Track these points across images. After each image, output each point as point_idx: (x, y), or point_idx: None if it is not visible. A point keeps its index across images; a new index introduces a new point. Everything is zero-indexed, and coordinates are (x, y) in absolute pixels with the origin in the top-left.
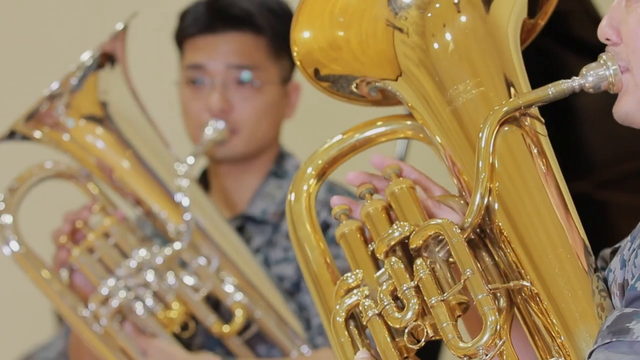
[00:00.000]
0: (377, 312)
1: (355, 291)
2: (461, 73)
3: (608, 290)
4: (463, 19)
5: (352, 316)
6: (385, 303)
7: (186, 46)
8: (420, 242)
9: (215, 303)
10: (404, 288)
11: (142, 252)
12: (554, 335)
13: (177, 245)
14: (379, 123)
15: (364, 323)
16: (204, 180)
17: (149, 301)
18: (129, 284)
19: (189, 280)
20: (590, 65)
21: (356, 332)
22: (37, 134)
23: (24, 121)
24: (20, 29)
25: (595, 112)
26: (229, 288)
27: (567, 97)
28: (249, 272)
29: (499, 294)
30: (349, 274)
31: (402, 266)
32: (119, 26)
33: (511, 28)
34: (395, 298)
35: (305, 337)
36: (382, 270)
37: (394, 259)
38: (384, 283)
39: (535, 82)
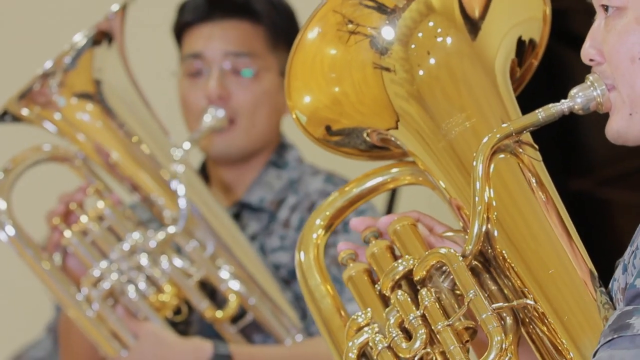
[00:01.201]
0: (386, 344)
1: (365, 329)
2: (451, 103)
3: (612, 303)
4: (448, 44)
5: (364, 355)
6: (394, 335)
7: (185, 36)
8: (424, 272)
9: (211, 291)
10: (411, 318)
11: (136, 236)
12: (562, 352)
13: (171, 230)
14: (374, 175)
15: (375, 358)
16: (203, 174)
17: (142, 284)
18: (121, 267)
19: (182, 264)
20: (579, 87)
21: None
22: (29, 113)
23: (17, 101)
24: (17, 12)
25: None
26: (224, 274)
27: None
28: (245, 259)
29: (504, 314)
30: (358, 314)
31: (408, 298)
32: (115, 7)
33: (500, 59)
34: (404, 330)
35: (301, 326)
36: (390, 306)
37: (399, 292)
38: (392, 317)
39: (536, 81)
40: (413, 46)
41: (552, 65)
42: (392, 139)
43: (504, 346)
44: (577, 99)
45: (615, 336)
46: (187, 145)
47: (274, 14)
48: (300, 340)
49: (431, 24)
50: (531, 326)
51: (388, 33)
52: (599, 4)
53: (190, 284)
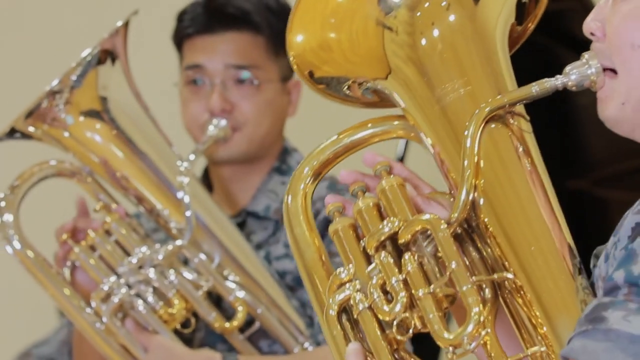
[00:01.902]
0: (367, 305)
1: (347, 285)
2: (449, 72)
3: (592, 288)
4: (451, 18)
5: (345, 310)
6: (375, 296)
7: (185, 47)
8: (409, 237)
9: (217, 300)
10: (393, 281)
11: (143, 249)
12: (536, 325)
13: (178, 242)
14: (370, 125)
15: (355, 316)
16: (206, 182)
17: (150, 298)
18: (130, 281)
19: (190, 276)
20: (574, 64)
21: (348, 325)
22: (37, 131)
23: (24, 119)
24: (21, 28)
25: (595, 111)
26: (230, 284)
27: (567, 96)
28: (251, 268)
29: (484, 286)
30: (341, 269)
31: (391, 260)
32: (119, 23)
33: (499, 28)
34: (385, 292)
35: (308, 333)
36: (373, 264)
37: (383, 253)
38: (375, 277)
39: (535, 80)
40: (419, 14)
41: (551, 66)
42: (382, 90)
43: (481, 318)
44: (571, 75)
45: (589, 327)
46: (191, 156)
47: (274, 23)
48: (307, 348)
49: None
50: (509, 299)
51: None
52: None
53: (198, 296)
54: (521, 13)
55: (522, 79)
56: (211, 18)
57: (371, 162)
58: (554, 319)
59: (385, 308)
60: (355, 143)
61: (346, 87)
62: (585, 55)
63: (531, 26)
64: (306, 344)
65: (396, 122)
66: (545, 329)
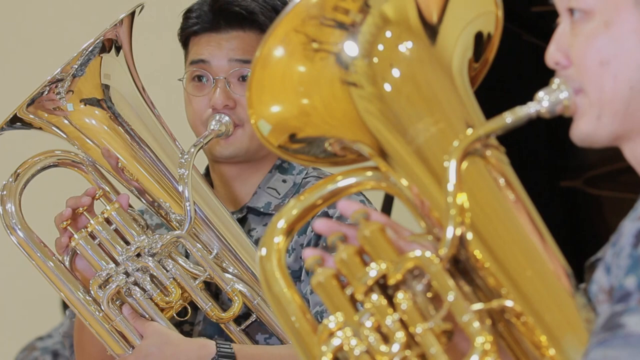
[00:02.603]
0: (364, 349)
1: (338, 333)
2: (417, 110)
3: (592, 305)
4: (408, 55)
5: (338, 358)
6: (371, 339)
7: (190, 43)
8: (400, 276)
9: (217, 292)
10: (388, 322)
11: (142, 238)
12: (542, 349)
13: (177, 232)
14: (339, 178)
15: None
16: (207, 181)
17: (148, 286)
18: (128, 269)
19: (188, 266)
20: (545, 90)
21: None
22: (39, 119)
23: (26, 107)
24: (26, 23)
25: None
26: (228, 276)
27: None
28: (249, 261)
29: (482, 316)
30: (329, 319)
31: (384, 302)
32: (122, 15)
33: (456, 60)
34: (381, 334)
35: None
36: (362, 310)
37: (375, 295)
38: (367, 321)
39: (530, 82)
40: (376, 60)
41: (541, 67)
42: (358, 148)
43: (486, 347)
44: (543, 102)
45: (608, 336)
46: (192, 149)
47: None
48: None
49: (389, 34)
50: (507, 326)
51: (351, 49)
52: (565, 7)
53: (195, 285)
54: (478, 48)
55: (514, 81)
56: (217, 16)
57: (347, 210)
58: (561, 340)
59: (383, 349)
60: (330, 195)
61: (323, 146)
62: (555, 81)
63: (490, 57)
64: None
65: (368, 173)
66: (553, 351)
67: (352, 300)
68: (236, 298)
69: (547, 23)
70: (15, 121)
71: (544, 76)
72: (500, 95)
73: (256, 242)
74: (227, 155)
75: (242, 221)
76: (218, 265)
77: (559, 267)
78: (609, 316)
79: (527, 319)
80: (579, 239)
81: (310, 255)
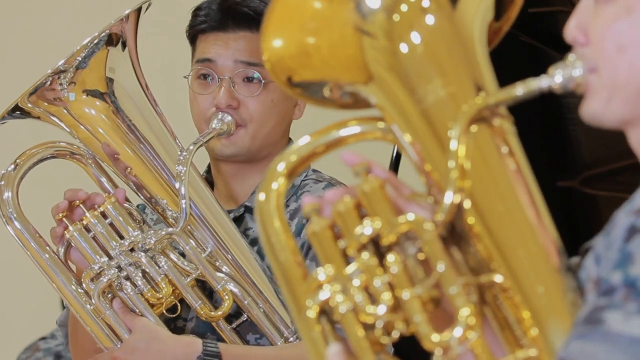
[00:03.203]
0: (350, 307)
1: (326, 286)
2: (430, 73)
3: (581, 289)
4: (430, 20)
5: (324, 312)
6: (358, 298)
7: (198, 41)
8: (394, 238)
9: (210, 291)
10: (377, 283)
11: (136, 234)
12: (525, 328)
13: (171, 229)
14: (351, 123)
15: (337, 319)
16: (208, 179)
17: (139, 281)
18: (121, 263)
19: (180, 263)
20: (558, 65)
21: (329, 327)
22: (39, 109)
23: (27, 97)
24: (32, 17)
25: None
26: (220, 275)
27: (559, 98)
28: (242, 260)
29: (470, 290)
30: (319, 269)
31: (375, 261)
32: (127, 11)
33: (477, 28)
34: (368, 294)
35: (293, 327)
36: (353, 266)
37: (366, 254)
38: (356, 279)
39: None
40: (396, 18)
41: (542, 69)
42: (359, 93)
43: (470, 321)
44: (556, 77)
45: (587, 330)
46: (191, 147)
47: None
48: (291, 342)
49: None
50: (495, 301)
51: (374, 0)
52: None
53: (186, 283)
54: (498, 9)
55: (511, 82)
56: (225, 16)
57: (350, 161)
58: (544, 321)
59: (369, 310)
60: (332, 143)
61: (324, 90)
62: (571, 56)
63: (508, 22)
64: (290, 339)
65: (377, 124)
66: (535, 331)
67: (345, 254)
68: (226, 297)
69: (544, 24)
70: (15, 110)
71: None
72: None
73: (252, 242)
74: (227, 154)
75: (239, 220)
76: (211, 264)
77: (552, 244)
78: (592, 310)
79: (514, 296)
80: (576, 238)
81: (308, 202)
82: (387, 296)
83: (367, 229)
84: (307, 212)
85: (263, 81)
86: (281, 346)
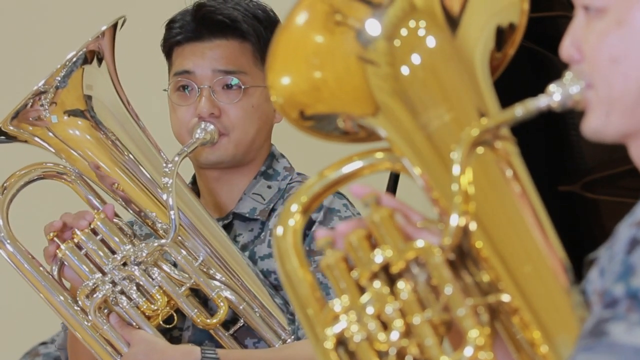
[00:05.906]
0: (364, 336)
1: (342, 317)
2: (432, 98)
3: (587, 303)
4: (431, 43)
5: (341, 342)
6: (371, 326)
7: (174, 54)
8: (402, 265)
9: (205, 299)
10: (388, 310)
11: (128, 247)
12: (536, 346)
13: (162, 241)
14: (355, 158)
15: (352, 348)
16: (194, 188)
17: (134, 294)
18: (115, 278)
19: (173, 274)
20: (556, 83)
21: (346, 357)
22: (23, 132)
23: (10, 120)
24: (11, 30)
25: None
26: (214, 282)
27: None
28: (235, 266)
29: (480, 310)
30: (335, 301)
31: (386, 290)
32: (103, 27)
33: (478, 52)
34: (381, 321)
35: (290, 329)
36: (367, 295)
37: (378, 283)
38: (369, 308)
39: (528, 88)
40: (397, 43)
41: (543, 73)
42: (369, 126)
43: (479, 342)
44: (555, 95)
45: (592, 343)
46: (176, 158)
47: (260, 30)
48: (288, 343)
49: (414, 21)
50: (505, 321)
51: (374, 28)
52: (580, 4)
53: (180, 292)
54: (500, 39)
55: (512, 87)
56: (200, 25)
57: (358, 194)
58: (554, 338)
59: (382, 338)
60: (345, 177)
61: (337, 122)
62: (567, 74)
63: (511, 52)
64: (288, 340)
65: (382, 155)
66: (545, 348)
67: (358, 285)
68: (222, 304)
69: (544, 29)
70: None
71: (542, 81)
72: (499, 100)
73: (242, 248)
74: (213, 161)
75: (228, 227)
76: (205, 272)
77: (558, 262)
78: (597, 322)
79: (523, 314)
80: (577, 243)
81: (322, 236)
82: (399, 323)
83: (377, 257)
84: (321, 246)
85: (243, 87)
86: (279, 347)
